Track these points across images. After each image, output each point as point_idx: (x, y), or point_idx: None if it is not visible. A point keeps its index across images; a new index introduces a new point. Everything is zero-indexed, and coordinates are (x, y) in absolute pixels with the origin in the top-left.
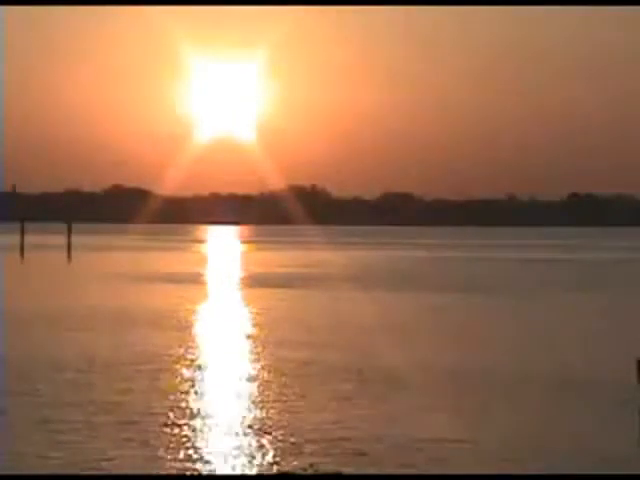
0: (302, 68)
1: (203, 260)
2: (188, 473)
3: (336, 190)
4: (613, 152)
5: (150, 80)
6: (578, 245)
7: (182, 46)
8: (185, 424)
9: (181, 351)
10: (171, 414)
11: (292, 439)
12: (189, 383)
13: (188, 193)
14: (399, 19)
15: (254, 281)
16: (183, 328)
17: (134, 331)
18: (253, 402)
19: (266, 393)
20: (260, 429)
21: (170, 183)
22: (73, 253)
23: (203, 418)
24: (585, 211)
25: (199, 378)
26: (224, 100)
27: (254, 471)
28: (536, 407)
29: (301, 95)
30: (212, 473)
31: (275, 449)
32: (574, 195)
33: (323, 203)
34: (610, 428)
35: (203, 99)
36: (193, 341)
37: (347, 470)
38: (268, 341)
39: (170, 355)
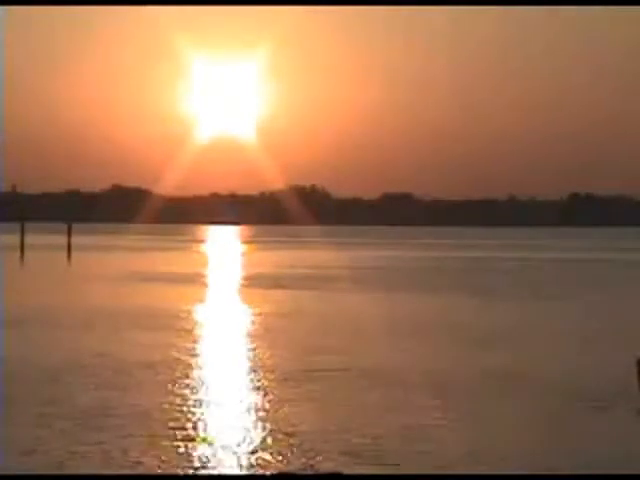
0: (302, 68)
1: (203, 260)
2: (188, 473)
3: (336, 190)
4: (613, 152)
5: (150, 80)
6: (578, 245)
7: (182, 46)
8: (186, 424)
9: (182, 352)
10: (172, 414)
11: (292, 440)
12: (190, 384)
13: (188, 193)
14: (399, 19)
15: (254, 281)
16: (183, 328)
17: (135, 331)
18: (254, 402)
19: (267, 394)
20: (261, 429)
21: (170, 183)
22: (73, 253)
23: (204, 418)
24: (585, 211)
25: (201, 379)
26: (224, 100)
27: (254, 471)
28: (535, 407)
29: (301, 95)
30: (212, 473)
31: (275, 449)
32: (574, 195)
33: (323, 203)
34: (610, 428)
35: (203, 99)
36: (194, 342)
37: (347, 470)
38: (269, 342)
39: (171, 356)
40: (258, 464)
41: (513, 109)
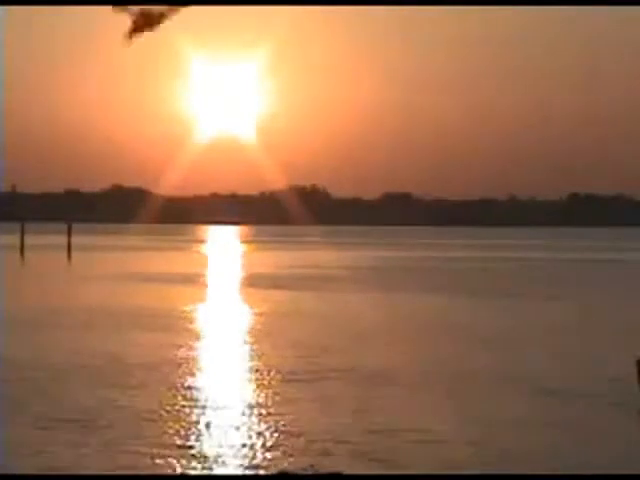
0: (302, 68)
1: (203, 260)
2: (188, 473)
3: (336, 190)
4: (613, 152)
5: (150, 80)
6: (578, 245)
7: (182, 46)
8: (186, 424)
9: (183, 352)
10: (173, 414)
11: (292, 440)
12: (191, 384)
13: (188, 193)
14: (399, 19)
15: (254, 281)
16: (184, 329)
17: (135, 332)
18: (254, 403)
19: (267, 394)
20: (261, 429)
21: (170, 183)
22: (73, 253)
23: (205, 418)
24: (585, 211)
25: (201, 379)
26: (224, 100)
27: (254, 471)
28: (535, 407)
29: (301, 95)
30: (212, 473)
31: (275, 449)
32: (574, 195)
33: (323, 203)
34: (610, 428)
35: (203, 99)
36: (194, 342)
37: (347, 470)
38: (269, 342)
39: (171, 356)
40: (258, 464)
41: (513, 109)
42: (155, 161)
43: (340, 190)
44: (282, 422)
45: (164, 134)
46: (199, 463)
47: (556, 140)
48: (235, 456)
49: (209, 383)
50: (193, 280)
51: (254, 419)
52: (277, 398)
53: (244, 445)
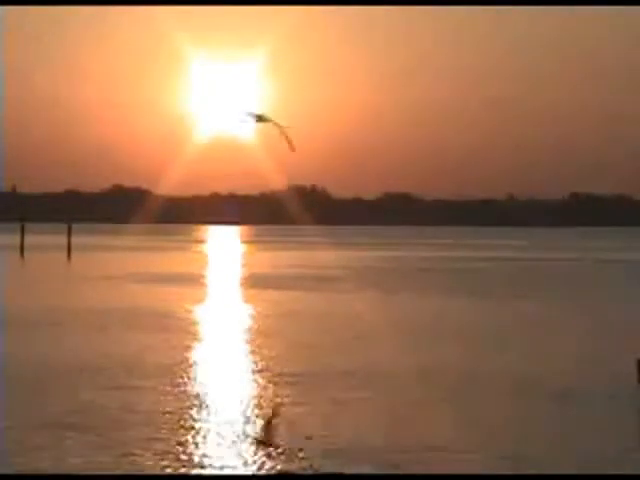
0: (302, 68)
1: (204, 260)
2: (189, 473)
3: (336, 190)
4: (613, 152)
5: (150, 80)
6: (578, 245)
7: (182, 46)
8: (187, 424)
9: (183, 352)
10: (174, 414)
11: (293, 440)
12: (191, 384)
13: (188, 193)
14: (399, 19)
15: (254, 281)
16: (184, 329)
17: (135, 332)
18: (255, 403)
19: (268, 394)
20: (263, 430)
21: (170, 183)
22: (73, 253)
23: (205, 418)
24: (585, 211)
25: (201, 379)
26: (224, 99)
27: (255, 471)
28: (535, 408)
29: (301, 95)
30: (212, 473)
31: (276, 449)
32: (574, 195)
33: (323, 203)
34: (610, 428)
35: (203, 98)
36: (195, 342)
37: (347, 470)
38: (270, 343)
39: (172, 356)
40: (259, 464)
41: (513, 109)
42: (155, 161)
43: (340, 190)
44: (283, 422)
45: (164, 134)
46: (199, 463)
47: (556, 140)
48: (236, 456)
49: (210, 383)
50: (193, 280)
51: (255, 419)
52: (278, 398)
53: (245, 445)
